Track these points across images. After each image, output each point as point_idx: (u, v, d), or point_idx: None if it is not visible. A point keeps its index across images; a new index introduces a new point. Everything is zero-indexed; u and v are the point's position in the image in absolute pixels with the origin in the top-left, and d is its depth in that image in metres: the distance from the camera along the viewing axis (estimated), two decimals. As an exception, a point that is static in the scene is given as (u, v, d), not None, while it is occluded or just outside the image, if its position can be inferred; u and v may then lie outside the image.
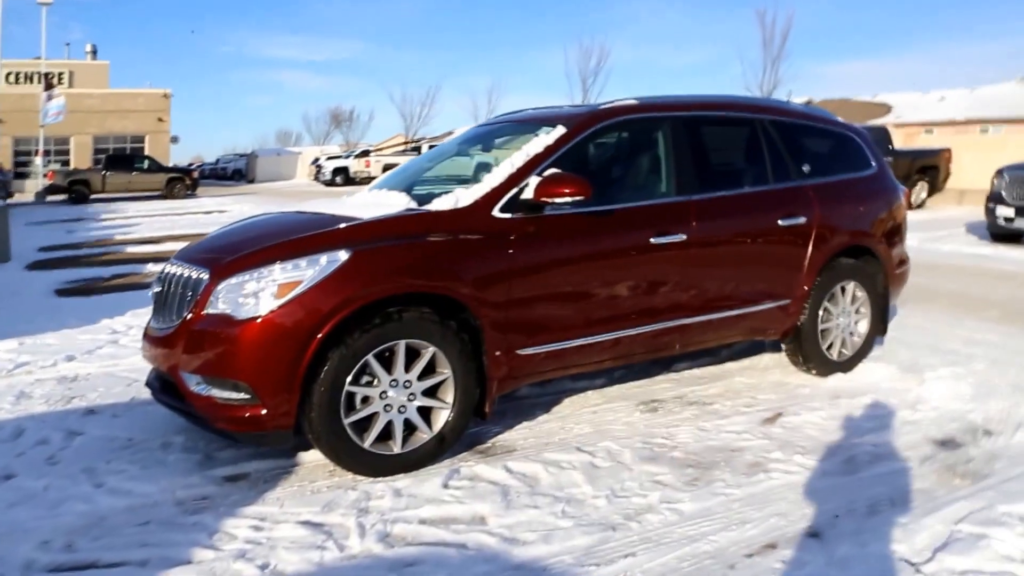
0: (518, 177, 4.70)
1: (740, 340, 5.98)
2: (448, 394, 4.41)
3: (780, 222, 5.66)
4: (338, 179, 43.52)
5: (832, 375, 5.94)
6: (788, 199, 5.76)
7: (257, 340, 4.03)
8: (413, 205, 4.65)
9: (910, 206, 6.86)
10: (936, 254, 12.41)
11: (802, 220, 5.73)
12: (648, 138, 5.43)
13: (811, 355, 5.91)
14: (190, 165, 53.39)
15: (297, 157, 58.14)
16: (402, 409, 4.31)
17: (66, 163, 43.77)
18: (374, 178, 41.60)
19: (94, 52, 54.23)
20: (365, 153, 47.34)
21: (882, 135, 20.40)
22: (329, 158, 48.30)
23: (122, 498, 4.04)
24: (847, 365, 6.05)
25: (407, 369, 4.30)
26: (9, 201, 29.56)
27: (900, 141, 24.84)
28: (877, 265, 6.20)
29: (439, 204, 4.59)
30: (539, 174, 4.71)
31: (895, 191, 6.47)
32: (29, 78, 44.24)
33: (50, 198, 33.83)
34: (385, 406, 4.28)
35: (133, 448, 4.66)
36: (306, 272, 4.09)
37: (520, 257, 4.55)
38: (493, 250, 4.49)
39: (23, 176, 40.78)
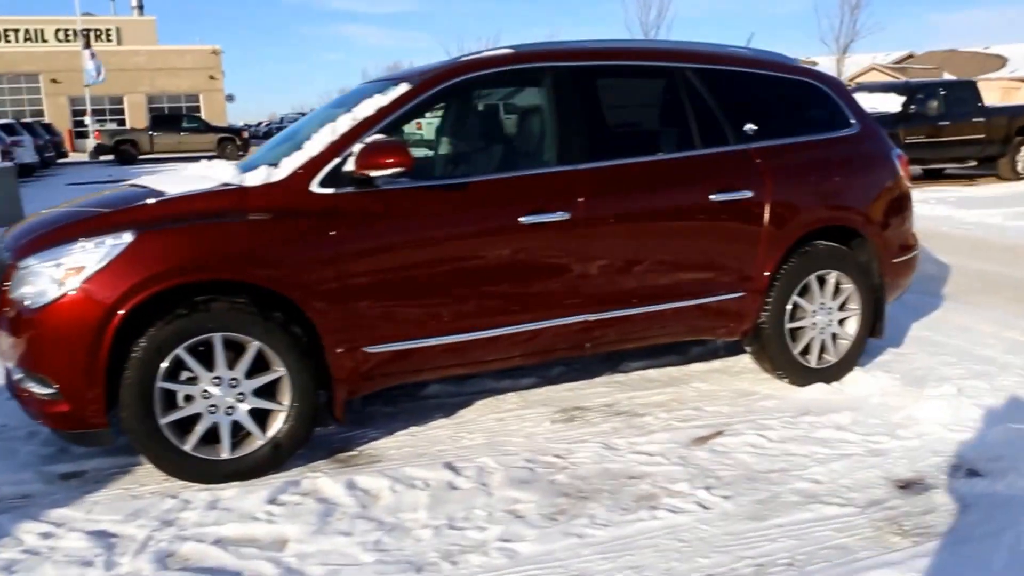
0: (341, 145, 3.93)
1: (683, 340, 4.92)
2: (285, 395, 3.78)
3: (713, 196, 4.56)
4: None
5: (811, 385, 4.91)
6: (723, 168, 4.66)
7: (48, 329, 3.53)
8: (236, 179, 3.92)
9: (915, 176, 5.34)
10: (1021, 234, 10.52)
11: (747, 194, 4.63)
12: (524, 96, 4.51)
13: (779, 360, 4.89)
14: (247, 125, 52.03)
15: None
16: (229, 410, 3.71)
17: (122, 123, 43.53)
18: (427, 140, 41.07)
19: (140, 7, 53.44)
20: None
21: (968, 90, 16.97)
22: None
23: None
24: (831, 373, 4.98)
25: (231, 366, 3.69)
26: (61, 160, 30.45)
27: (1001, 97, 21.48)
28: (868, 251, 5.05)
29: (251, 178, 3.87)
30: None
31: (886, 157, 5.21)
32: (79, 35, 43.65)
33: (102, 158, 33.51)
34: (209, 406, 3.69)
35: (-4, 437, 4.28)
36: (91, 256, 3.52)
37: (347, 240, 3.81)
38: (311, 232, 3.76)
39: (83, 136, 40.44)
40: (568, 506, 3.52)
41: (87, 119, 37.58)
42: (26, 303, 3.55)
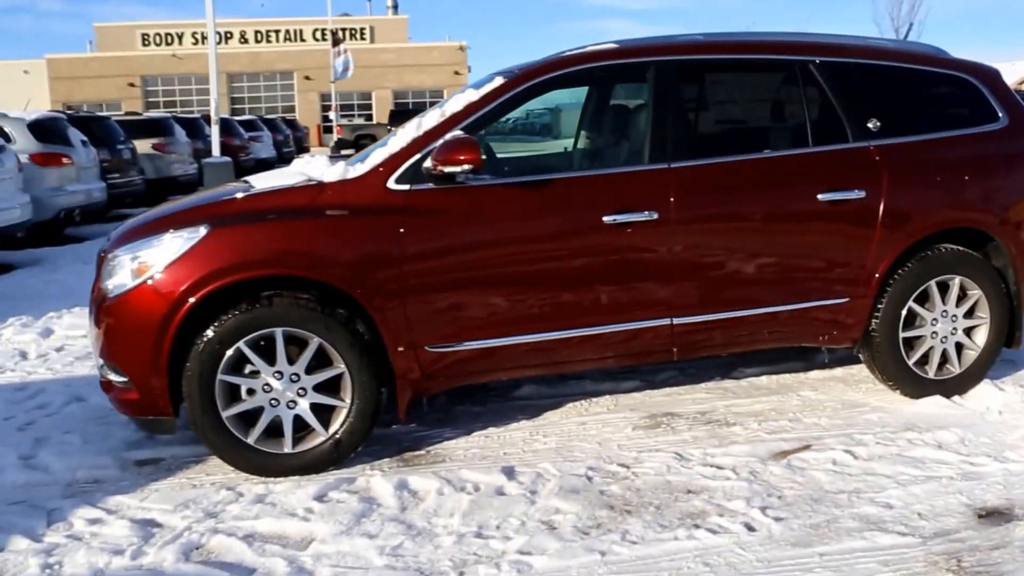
0: (424, 141, 3.91)
1: (782, 346, 4.58)
2: (346, 392, 3.85)
3: (821, 196, 4.23)
4: None
5: (927, 397, 4.45)
6: (835, 166, 4.32)
7: (121, 319, 3.78)
8: (319, 175, 4.01)
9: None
10: None
11: (858, 194, 4.26)
12: (623, 92, 4.34)
13: (890, 369, 4.46)
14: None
15: None
16: (291, 404, 3.83)
17: (369, 118, 44.87)
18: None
19: (395, 7, 55.68)
20: None
21: None
22: None
23: (32, 473, 4.01)
24: (952, 385, 4.50)
25: (292, 361, 3.79)
26: (305, 155, 31.18)
27: None
28: (1002, 255, 4.50)
29: (330, 174, 3.96)
30: None
31: None
32: (334, 34, 46.82)
33: (343, 152, 34.62)
34: (271, 400, 3.82)
35: (100, 420, 4.62)
36: (166, 249, 3.71)
37: (414, 238, 3.81)
38: (379, 229, 3.80)
39: (329, 131, 41.84)
40: (607, 520, 3.41)
41: (332, 114, 39.49)
42: (109, 293, 3.83)
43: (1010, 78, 46.58)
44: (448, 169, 3.79)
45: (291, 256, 3.79)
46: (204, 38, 49.55)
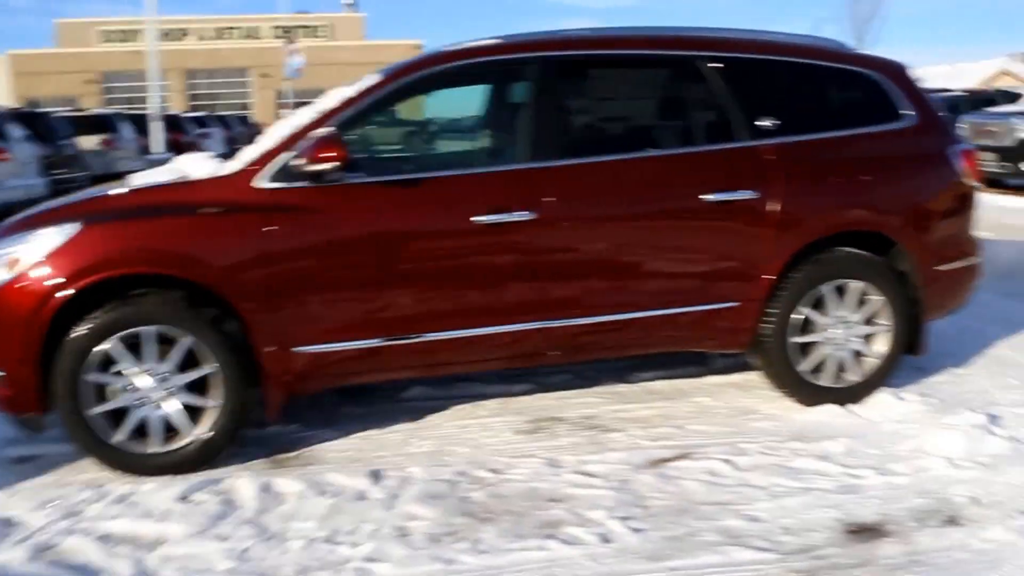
0: (295, 139, 3.79)
1: (671, 351, 4.45)
2: (216, 392, 3.74)
3: (707, 197, 4.09)
4: None
5: (822, 405, 4.30)
6: (723, 166, 4.17)
7: None
8: (203, 172, 3.90)
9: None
10: None
11: (747, 194, 4.11)
12: (503, 88, 4.21)
13: (782, 376, 4.33)
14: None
15: None
16: (160, 404, 3.72)
17: None
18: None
19: (353, 4, 55.35)
20: None
21: None
22: None
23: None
24: (849, 393, 4.34)
25: (162, 360, 3.69)
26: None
27: None
28: (906, 260, 4.35)
29: (201, 172, 3.86)
30: None
31: (942, 153, 4.48)
32: (288, 32, 45.11)
33: None
34: (139, 399, 3.71)
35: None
36: (38, 245, 3.61)
37: (282, 237, 3.71)
38: (247, 228, 3.69)
39: None
40: (462, 527, 3.28)
41: (285, 112, 38.92)
42: None
43: (974, 78, 46.68)
44: (314, 167, 3.68)
45: (159, 254, 3.69)
46: (164, 35, 49.74)
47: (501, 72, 4.26)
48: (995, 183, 14.28)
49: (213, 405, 3.77)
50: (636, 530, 3.24)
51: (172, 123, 22.78)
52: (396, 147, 4.42)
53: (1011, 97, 18.94)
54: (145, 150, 19.02)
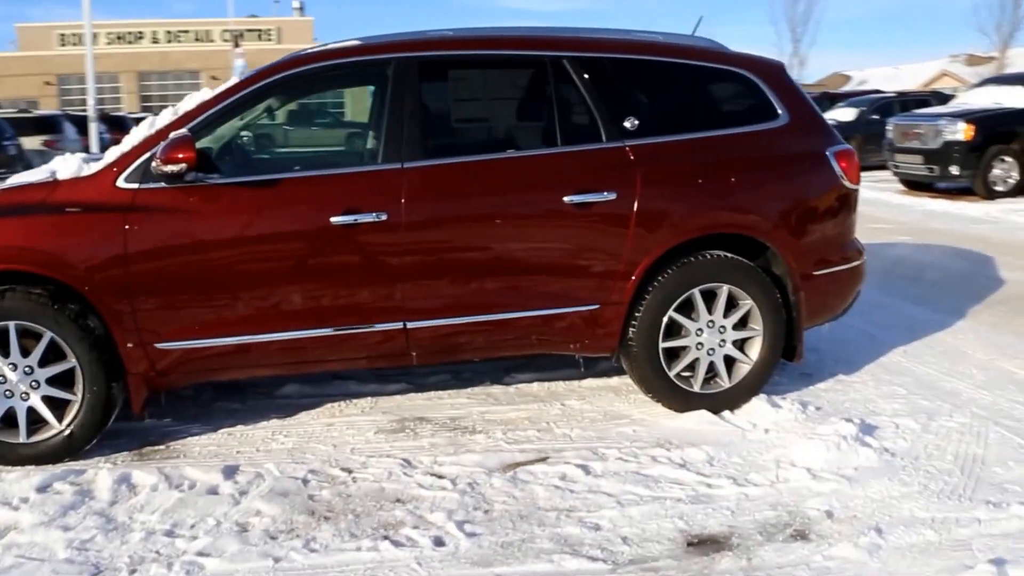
0: (154, 140, 3.81)
1: (539, 353, 4.40)
2: (78, 386, 3.77)
3: (567, 198, 4.05)
4: None
5: (693, 411, 4.28)
6: (584, 167, 4.13)
7: None
8: (67, 172, 3.91)
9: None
10: None
11: (608, 196, 4.08)
12: (360, 90, 4.22)
13: (649, 381, 4.30)
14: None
15: None
16: (24, 396, 3.76)
17: None
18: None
19: (301, 8, 56.60)
20: None
21: None
22: None
23: None
24: (724, 400, 4.33)
25: (28, 354, 3.73)
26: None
27: None
28: (780, 264, 4.36)
29: (65, 172, 3.87)
30: None
31: (817, 154, 4.43)
32: (241, 36, 45.77)
33: None
34: (5, 391, 3.76)
35: None
36: None
37: (142, 235, 3.74)
38: (108, 226, 3.72)
39: None
40: (301, 525, 3.30)
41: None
42: None
43: (916, 80, 46.53)
44: (168, 168, 3.69)
45: (22, 252, 3.73)
46: (118, 38, 49.61)
47: (360, 74, 4.26)
48: (922, 186, 14.42)
49: (76, 399, 3.80)
50: (471, 535, 3.25)
51: (117, 123, 23.10)
52: (258, 148, 4.40)
53: (944, 99, 18.90)
54: (87, 149, 19.34)
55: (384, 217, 3.87)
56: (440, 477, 3.69)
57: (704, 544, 3.20)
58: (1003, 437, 4.07)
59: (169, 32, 52.19)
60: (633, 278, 4.14)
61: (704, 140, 4.28)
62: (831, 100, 23.41)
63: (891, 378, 4.87)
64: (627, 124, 4.17)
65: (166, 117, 3.96)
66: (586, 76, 4.18)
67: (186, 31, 52.13)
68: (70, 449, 3.83)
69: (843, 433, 4.00)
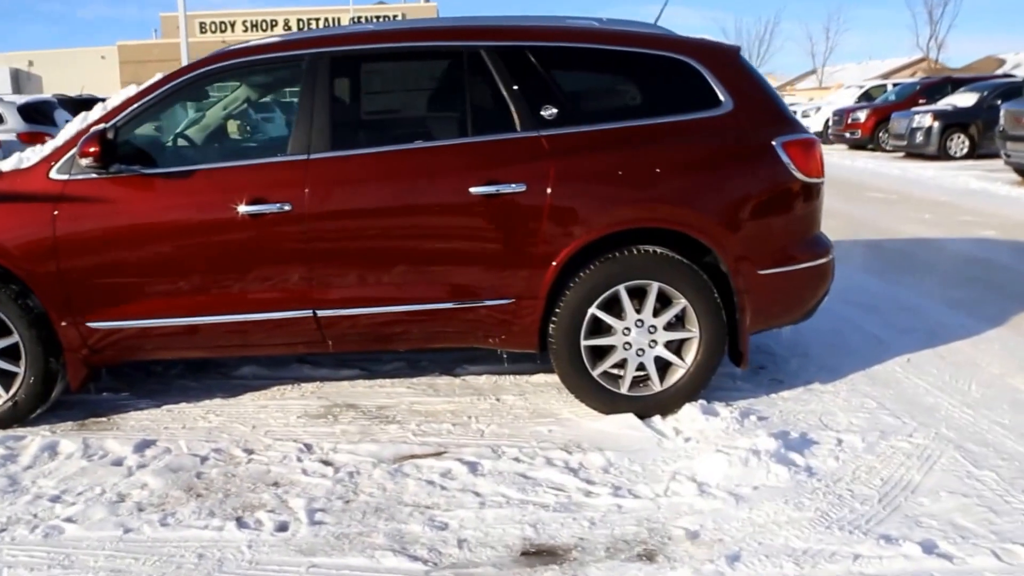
0: (82, 134, 3.95)
1: (461, 346, 4.29)
2: (21, 360, 4.03)
3: (475, 189, 3.91)
4: None
5: (620, 413, 4.04)
6: (494, 158, 3.96)
7: None
8: (8, 165, 4.15)
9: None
10: None
11: (517, 188, 3.90)
12: (281, 84, 4.18)
13: (571, 381, 4.08)
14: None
15: None
16: None
17: None
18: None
19: None
20: None
21: None
22: None
23: None
24: (655, 404, 4.06)
25: None
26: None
27: None
28: (720, 263, 4.06)
29: (7, 164, 4.10)
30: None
31: (761, 144, 4.05)
32: (370, 21, 46.72)
33: None
34: None
35: None
36: None
37: (69, 223, 3.93)
38: (40, 214, 3.92)
39: None
40: (172, 501, 3.40)
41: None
42: None
43: None
44: (83, 161, 3.87)
45: None
46: (254, 26, 51.43)
47: (279, 69, 4.27)
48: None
49: (19, 372, 4.07)
50: (316, 523, 3.23)
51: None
52: (179, 140, 4.52)
53: None
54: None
55: (288, 208, 3.90)
56: (328, 464, 3.70)
57: (538, 555, 3.02)
58: (955, 463, 3.60)
59: (300, 20, 53.62)
60: (548, 273, 3.95)
61: (629, 130, 4.02)
62: (954, 85, 21.40)
63: (870, 389, 4.42)
64: (544, 114, 3.98)
65: (97, 112, 4.15)
66: (502, 66, 4.01)
67: (317, 18, 53.64)
68: (15, 416, 4.12)
69: (760, 448, 3.66)
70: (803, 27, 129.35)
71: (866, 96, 26.05)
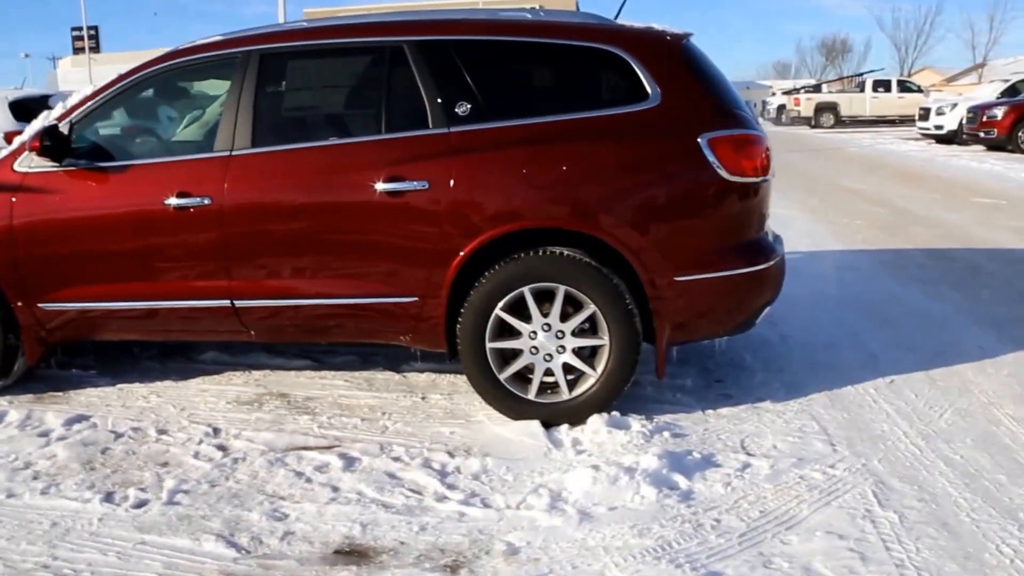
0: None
1: (371, 342, 4.31)
2: None
3: (381, 186, 3.90)
4: (783, 118, 36.87)
5: (529, 419, 3.92)
6: (402, 155, 3.94)
7: None
8: None
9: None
10: None
11: (420, 185, 3.88)
12: (216, 80, 4.29)
13: (477, 383, 4.00)
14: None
15: (766, 93, 49.23)
16: None
17: None
18: (806, 118, 35.78)
19: None
20: (797, 90, 39.71)
21: None
22: (786, 92, 40.60)
23: None
24: (563, 412, 3.92)
25: None
26: None
27: None
28: (632, 268, 3.82)
29: None
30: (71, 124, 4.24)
31: (688, 141, 3.81)
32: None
33: None
34: None
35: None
36: None
37: (24, 210, 4.25)
38: (2, 204, 4.26)
39: None
40: (64, 472, 3.66)
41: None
42: None
43: None
44: (32, 155, 4.21)
45: None
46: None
47: (218, 67, 4.38)
48: None
49: None
50: (173, 504, 3.38)
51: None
52: (126, 136, 4.75)
53: None
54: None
55: (208, 201, 4.08)
56: (222, 449, 3.85)
57: (348, 555, 3.03)
58: (859, 500, 3.27)
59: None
60: (449, 272, 3.90)
61: (542, 126, 3.88)
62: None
63: (823, 412, 4.07)
64: (458, 110, 3.92)
65: (58, 110, 4.48)
66: (422, 61, 3.99)
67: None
68: None
69: (640, 466, 3.48)
70: (964, 17, 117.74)
71: (1011, 91, 22.93)
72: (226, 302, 4.20)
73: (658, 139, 3.85)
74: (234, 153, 4.12)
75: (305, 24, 4.45)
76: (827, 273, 7.02)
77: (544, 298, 3.92)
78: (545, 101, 4.01)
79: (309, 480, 3.56)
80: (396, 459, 3.71)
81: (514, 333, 3.96)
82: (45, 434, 4.06)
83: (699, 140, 3.80)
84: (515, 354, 3.99)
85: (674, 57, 3.94)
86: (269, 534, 3.16)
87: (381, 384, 4.62)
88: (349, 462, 3.69)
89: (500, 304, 3.90)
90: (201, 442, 3.92)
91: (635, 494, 3.35)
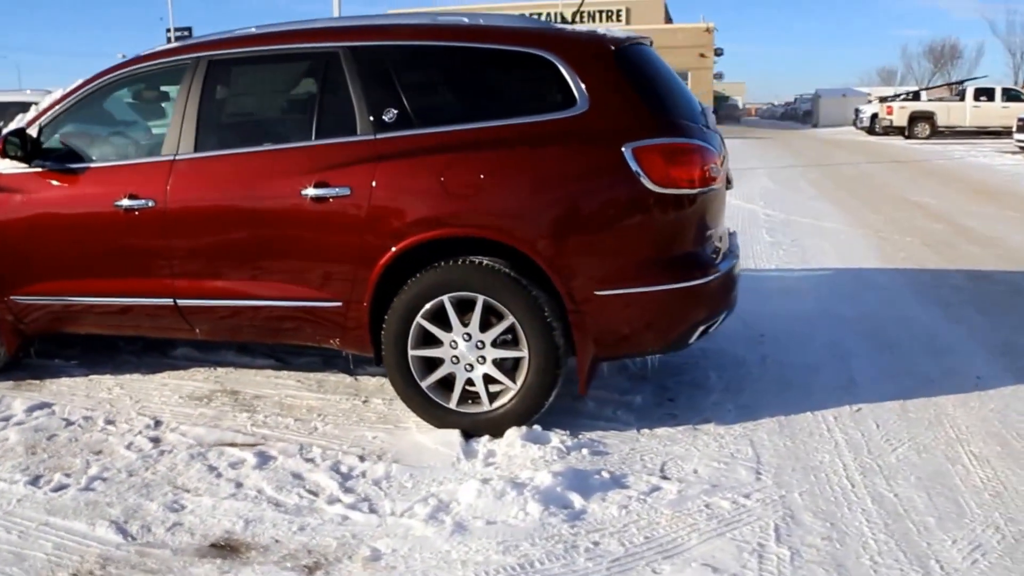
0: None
1: (304, 344, 4.44)
2: None
3: (305, 192, 4.02)
4: (876, 127, 34.76)
5: (452, 428, 3.95)
6: (326, 161, 4.04)
7: None
8: None
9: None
10: None
11: (342, 191, 3.98)
12: (167, 87, 4.47)
13: (400, 389, 4.06)
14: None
15: (862, 100, 46.43)
16: None
17: None
18: (898, 128, 33.73)
19: None
20: (893, 97, 37.40)
21: None
22: (882, 100, 38.01)
23: None
24: (485, 423, 3.94)
25: None
26: None
27: None
28: (549, 280, 3.83)
29: None
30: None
31: (610, 149, 3.74)
32: (592, 17, 46.58)
33: None
34: None
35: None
36: None
37: None
38: None
39: None
40: (8, 455, 3.93)
41: None
42: None
43: None
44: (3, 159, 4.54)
45: None
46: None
47: (171, 73, 4.56)
48: None
49: None
50: (88, 489, 3.59)
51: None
52: (88, 139, 4.96)
53: None
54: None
55: (152, 204, 4.31)
56: (154, 441, 4.05)
57: (222, 548, 3.16)
58: (757, 533, 3.15)
59: (524, 15, 53.63)
60: (371, 278, 3.99)
61: (464, 133, 3.91)
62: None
63: (765, 437, 3.94)
64: (385, 117, 3.99)
65: (32, 113, 4.80)
66: (354, 67, 4.09)
67: (539, 13, 52.98)
68: None
69: (532, 482, 3.47)
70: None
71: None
72: (169, 301, 4.43)
73: (581, 147, 3.82)
74: (178, 157, 4.35)
75: (253, 30, 4.62)
76: (846, 291, 6.77)
77: (467, 308, 3.95)
78: (473, 107, 4.05)
79: (219, 475, 3.71)
80: (309, 460, 3.82)
81: (436, 341, 4.00)
82: (7, 419, 4.36)
83: (623, 149, 3.74)
84: (439, 362, 4.03)
85: (606, 63, 3.90)
86: (160, 524, 3.33)
87: (331, 386, 4.75)
88: (264, 460, 3.83)
89: (421, 312, 3.96)
90: (139, 433, 4.14)
91: (520, 510, 3.34)
